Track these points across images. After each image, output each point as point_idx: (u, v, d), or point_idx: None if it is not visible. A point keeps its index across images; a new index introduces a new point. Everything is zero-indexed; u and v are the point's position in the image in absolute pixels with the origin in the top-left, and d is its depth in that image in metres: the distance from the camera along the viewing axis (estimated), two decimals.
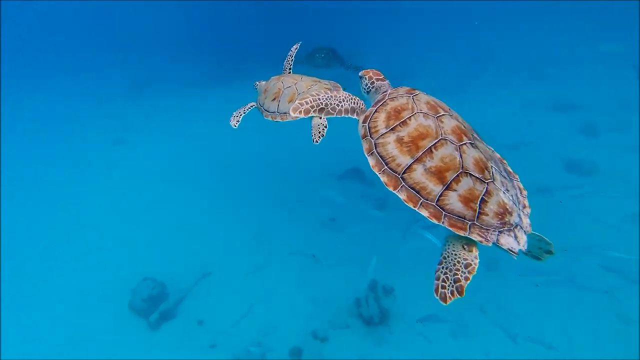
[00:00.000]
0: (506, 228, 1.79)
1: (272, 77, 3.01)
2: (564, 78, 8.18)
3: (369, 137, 2.05)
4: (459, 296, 1.72)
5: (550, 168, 5.57)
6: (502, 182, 1.89)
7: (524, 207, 1.94)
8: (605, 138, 6.17)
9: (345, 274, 4.34)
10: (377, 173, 1.96)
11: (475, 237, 1.77)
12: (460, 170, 1.83)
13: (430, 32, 11.50)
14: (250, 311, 4.11)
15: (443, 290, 1.76)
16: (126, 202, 5.80)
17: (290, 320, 3.98)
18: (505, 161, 2.16)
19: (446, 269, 1.81)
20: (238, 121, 2.98)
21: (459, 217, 1.79)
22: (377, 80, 2.30)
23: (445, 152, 1.86)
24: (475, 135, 2.06)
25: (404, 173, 1.89)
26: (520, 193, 2.00)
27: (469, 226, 1.78)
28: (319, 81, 2.80)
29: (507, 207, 1.82)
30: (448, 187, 1.81)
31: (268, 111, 2.78)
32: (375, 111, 2.11)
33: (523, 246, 1.80)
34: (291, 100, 2.66)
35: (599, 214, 4.67)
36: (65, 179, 6.65)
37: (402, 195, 1.88)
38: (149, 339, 3.95)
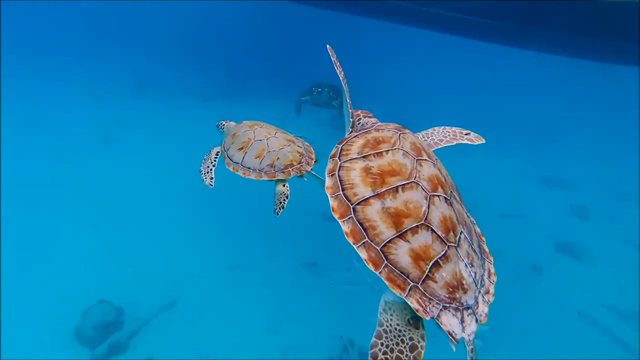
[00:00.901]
0: (453, 305, 1.51)
1: (244, 122, 2.81)
2: (564, 153, 8.48)
3: (336, 159, 1.88)
4: None
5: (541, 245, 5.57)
6: (467, 253, 1.65)
7: (487, 292, 1.68)
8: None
9: (320, 324, 4.06)
10: (328, 195, 1.76)
11: (412, 302, 1.49)
12: (422, 222, 1.58)
13: (438, 88, 11.96)
14: (210, 354, 3.73)
15: None
16: (96, 211, 5.45)
17: None
18: (483, 238, 1.95)
19: (387, 347, 1.50)
20: (212, 178, 2.68)
21: (401, 273, 1.52)
22: (365, 117, 2.21)
23: (412, 196, 1.63)
24: (455, 194, 1.86)
25: (357, 204, 1.67)
26: (488, 277, 1.76)
27: (410, 287, 1.51)
28: (294, 141, 2.66)
29: (463, 282, 1.55)
30: (401, 236, 1.56)
31: (231, 160, 2.56)
32: (355, 136, 1.97)
33: (468, 335, 1.51)
34: (258, 157, 2.49)
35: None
36: (33, 176, 6.16)
37: (346, 227, 1.64)
38: None
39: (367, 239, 1.60)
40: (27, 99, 8.90)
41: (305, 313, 4.22)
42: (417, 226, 1.57)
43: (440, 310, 1.50)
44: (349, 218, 1.66)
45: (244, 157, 2.53)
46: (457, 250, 1.60)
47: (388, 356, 1.47)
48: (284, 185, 2.50)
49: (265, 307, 4.26)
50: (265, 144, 2.56)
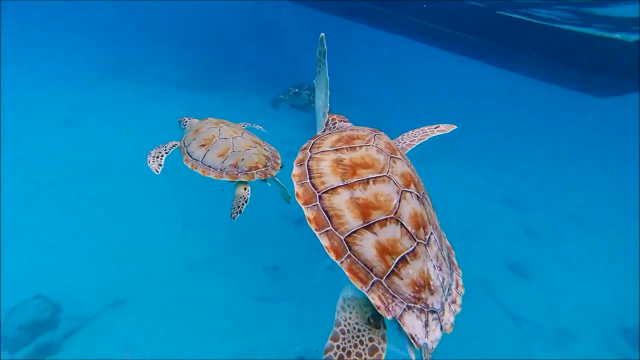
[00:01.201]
0: (418, 306, 1.40)
1: (208, 118, 2.62)
2: (524, 174, 8.81)
3: (307, 151, 1.80)
4: None
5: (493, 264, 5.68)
6: (437, 256, 1.57)
7: (454, 302, 1.59)
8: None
9: (276, 330, 3.88)
10: (294, 182, 1.68)
11: (374, 298, 1.37)
12: (392, 216, 1.49)
13: (417, 98, 12.16)
14: (155, 356, 3.44)
15: None
16: (45, 196, 4.98)
17: None
18: (453, 252, 1.89)
19: (343, 350, 1.36)
20: (160, 165, 2.45)
21: (365, 265, 1.42)
22: (340, 121, 2.15)
23: (383, 189, 1.56)
24: (427, 197, 1.79)
25: (324, 192, 1.59)
26: (456, 287, 1.68)
27: (373, 282, 1.40)
28: (261, 144, 2.51)
29: (430, 283, 1.45)
30: (368, 227, 1.47)
31: (191, 156, 2.38)
32: (330, 133, 1.90)
33: (431, 343, 1.39)
34: (221, 156, 2.33)
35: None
36: None
37: (309, 213, 1.54)
38: None
39: (330, 227, 1.50)
40: None
41: (262, 318, 4.02)
42: (386, 219, 1.48)
43: (404, 310, 1.38)
44: (313, 205, 1.57)
45: (205, 155, 2.35)
46: (426, 249, 1.51)
47: None
48: (245, 189, 2.33)
49: (221, 311, 4.03)
50: (230, 142, 2.39)
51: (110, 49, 10.99)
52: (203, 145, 2.39)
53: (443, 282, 1.53)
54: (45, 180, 5.26)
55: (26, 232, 4.43)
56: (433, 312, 1.42)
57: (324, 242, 1.48)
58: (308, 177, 1.66)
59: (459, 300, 1.60)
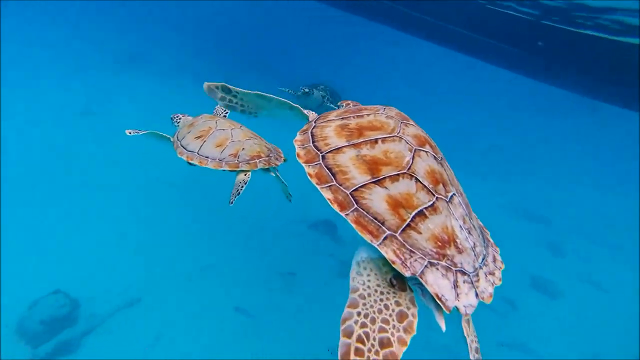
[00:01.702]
0: (443, 263, 1.21)
1: (203, 115, 2.59)
2: (544, 186, 8.61)
3: (312, 122, 1.71)
4: None
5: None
6: (464, 219, 1.39)
7: (492, 274, 1.38)
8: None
9: (289, 337, 3.86)
10: (296, 146, 1.57)
11: (387, 253, 1.19)
12: (404, 171, 1.34)
13: (431, 103, 11.99)
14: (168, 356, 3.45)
15: (360, 359, 1.04)
16: (63, 193, 5.01)
17: None
18: (487, 231, 1.70)
19: (366, 317, 1.11)
20: (137, 132, 2.48)
21: (375, 218, 1.26)
22: (354, 106, 2.06)
23: (394, 147, 1.42)
24: (447, 164, 1.61)
25: (328, 152, 1.46)
26: (494, 261, 1.46)
27: (385, 236, 1.22)
28: (260, 138, 2.48)
29: (456, 240, 1.27)
30: (377, 182, 1.32)
31: (185, 149, 2.31)
32: (339, 108, 1.87)
33: (465, 308, 1.17)
34: (220, 146, 2.26)
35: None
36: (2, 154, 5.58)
37: (310, 170, 1.42)
38: None
39: (334, 182, 1.36)
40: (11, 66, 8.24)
41: (275, 324, 4.00)
42: (398, 174, 1.33)
43: (425, 266, 1.17)
44: (316, 164, 1.44)
45: (201, 146, 2.27)
46: (448, 205, 1.34)
47: (368, 329, 1.08)
48: (245, 174, 2.27)
49: (234, 314, 4.01)
50: (229, 133, 2.33)
51: (125, 39, 10.99)
52: (199, 137, 2.32)
53: (475, 247, 1.36)
54: (65, 174, 5.31)
55: (45, 226, 4.47)
56: (463, 273, 1.23)
57: (327, 195, 1.34)
58: (311, 141, 1.55)
59: (498, 274, 1.41)
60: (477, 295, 1.23)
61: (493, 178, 8.52)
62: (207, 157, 2.22)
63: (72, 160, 5.57)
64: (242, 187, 2.19)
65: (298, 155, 1.51)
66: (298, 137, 1.62)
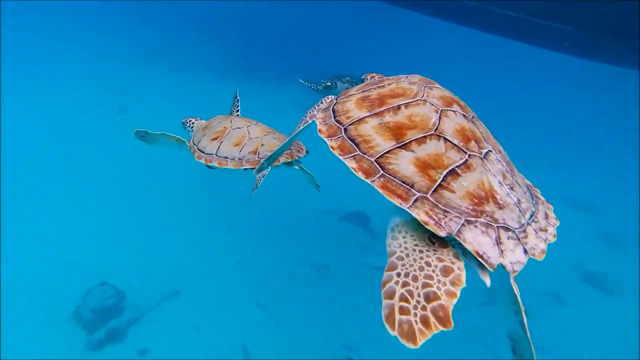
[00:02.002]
0: (482, 220, 1.15)
1: (216, 116, 2.56)
2: (594, 173, 7.92)
3: (334, 99, 1.70)
4: (442, 328, 0.95)
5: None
6: (504, 175, 1.31)
7: (544, 230, 1.31)
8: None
9: (324, 331, 3.83)
10: (317, 123, 1.56)
11: (419, 214, 1.14)
12: (431, 132, 1.30)
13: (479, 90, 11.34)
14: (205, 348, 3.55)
15: (406, 317, 0.95)
16: (108, 188, 5.29)
17: None
18: (537, 189, 1.62)
19: (407, 276, 1.04)
20: (145, 133, 2.48)
21: (403, 182, 1.22)
22: (378, 79, 2.01)
23: (418, 111, 1.38)
24: (480, 122, 1.52)
25: (350, 124, 1.44)
26: (545, 218, 1.39)
27: (416, 198, 1.18)
28: (277, 132, 2.42)
29: (495, 195, 1.21)
30: (403, 146, 1.29)
31: (203, 152, 2.28)
32: (363, 81, 1.85)
33: (510, 265, 1.11)
34: (238, 144, 2.20)
35: None
36: (47, 152, 5.89)
37: (332, 142, 1.40)
38: None
39: (358, 152, 1.33)
40: (37, 66, 8.68)
41: (310, 317, 3.99)
42: (424, 136, 1.29)
43: (462, 224, 1.12)
44: (338, 137, 1.41)
45: (219, 147, 2.23)
46: (482, 161, 1.28)
47: (411, 287, 1.00)
48: (267, 169, 2.24)
49: (269, 306, 4.05)
50: (245, 131, 2.28)
51: (152, 33, 11.19)
52: (215, 139, 2.28)
53: (520, 203, 1.28)
54: (109, 171, 5.58)
55: (92, 220, 4.75)
56: (507, 229, 1.17)
57: (351, 164, 1.31)
58: (332, 117, 1.53)
59: (551, 230, 1.34)
60: (525, 252, 1.17)
61: (539, 165, 7.96)
62: (227, 158, 2.21)
63: (115, 157, 5.81)
64: (260, 180, 2.19)
65: (320, 131, 1.50)
66: (319, 115, 1.62)
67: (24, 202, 4.88)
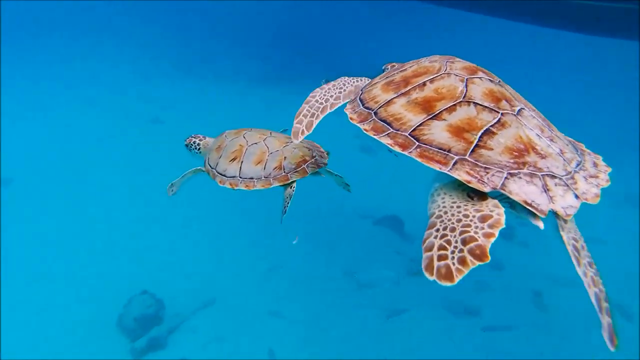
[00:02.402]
0: (525, 170, 1.17)
1: (225, 132, 2.40)
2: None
3: (359, 91, 1.76)
4: (478, 262, 0.98)
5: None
6: (541, 129, 1.33)
7: (594, 176, 1.31)
8: None
9: (358, 340, 3.71)
10: (347, 113, 1.62)
11: (461, 175, 1.18)
12: (460, 100, 1.34)
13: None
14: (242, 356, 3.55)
15: (444, 262, 0.99)
16: (149, 198, 5.46)
17: None
18: (581, 143, 1.60)
19: (445, 229, 1.08)
20: (174, 191, 2.44)
21: (440, 149, 1.27)
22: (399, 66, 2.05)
23: (443, 83, 1.43)
24: (509, 87, 1.51)
25: (379, 108, 1.51)
26: (594, 166, 1.39)
27: (455, 161, 1.22)
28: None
29: (535, 146, 1.24)
30: (434, 117, 1.34)
31: (225, 175, 2.15)
32: (384, 71, 1.89)
33: (562, 209, 1.11)
34: (260, 162, 2.06)
35: None
36: (84, 160, 6.10)
37: (366, 126, 1.46)
38: None
39: (391, 130, 1.40)
40: (74, 78, 9.00)
41: (344, 323, 3.88)
42: (454, 104, 1.34)
43: (505, 178, 1.15)
44: (370, 120, 1.49)
45: (240, 168, 2.12)
46: (516, 117, 1.30)
47: (449, 237, 1.04)
48: (290, 187, 2.12)
49: (302, 314, 3.98)
50: (263, 145, 2.15)
51: (183, 44, 11.43)
52: (234, 159, 2.15)
53: (563, 153, 1.30)
54: (144, 182, 5.74)
55: (130, 230, 4.91)
56: (552, 176, 1.19)
57: (386, 140, 1.36)
58: (361, 105, 1.59)
59: (603, 176, 1.33)
60: (577, 197, 1.18)
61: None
62: (252, 179, 2.10)
63: (152, 167, 5.86)
64: (288, 201, 2.09)
65: (351, 119, 1.56)
66: (348, 105, 1.69)
67: (70, 214, 5.17)
